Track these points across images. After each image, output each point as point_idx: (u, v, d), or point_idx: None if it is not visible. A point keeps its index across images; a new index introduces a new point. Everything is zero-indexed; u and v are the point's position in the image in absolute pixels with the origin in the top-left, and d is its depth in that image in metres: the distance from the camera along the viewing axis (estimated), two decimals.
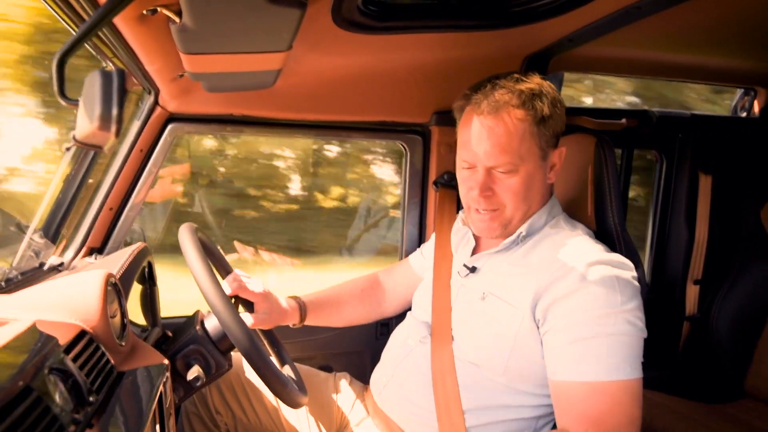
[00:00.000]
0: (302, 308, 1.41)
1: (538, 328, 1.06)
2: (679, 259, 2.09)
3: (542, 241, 1.14)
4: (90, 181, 1.44)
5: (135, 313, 1.47)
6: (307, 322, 1.43)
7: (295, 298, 1.42)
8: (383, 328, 1.89)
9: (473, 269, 1.24)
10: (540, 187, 1.16)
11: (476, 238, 1.32)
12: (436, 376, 1.17)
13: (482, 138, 1.10)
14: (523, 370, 1.08)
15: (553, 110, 1.11)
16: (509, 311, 1.09)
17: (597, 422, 0.95)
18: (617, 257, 1.07)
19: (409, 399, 1.22)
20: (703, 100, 4.73)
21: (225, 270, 1.36)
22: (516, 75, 1.14)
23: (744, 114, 2.20)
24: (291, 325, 1.41)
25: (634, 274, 1.04)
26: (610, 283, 0.99)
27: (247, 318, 1.23)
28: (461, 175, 1.20)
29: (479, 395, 1.12)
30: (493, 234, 1.18)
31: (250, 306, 1.31)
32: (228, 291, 1.22)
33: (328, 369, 1.63)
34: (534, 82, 1.12)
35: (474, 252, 1.30)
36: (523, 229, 1.17)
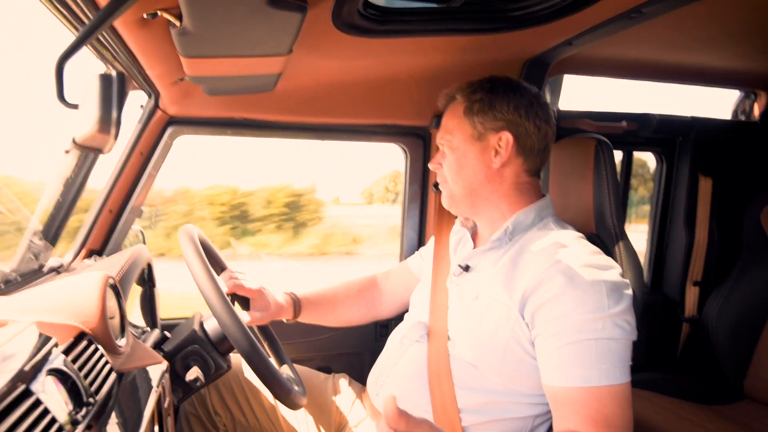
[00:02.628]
0: (297, 304, 1.42)
1: (528, 330, 1.06)
2: (678, 261, 2.10)
3: (531, 241, 1.15)
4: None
5: (134, 314, 1.47)
6: (301, 319, 1.44)
7: (290, 293, 1.43)
8: (382, 329, 1.89)
9: (467, 268, 1.24)
10: (480, 167, 1.21)
11: (473, 239, 1.32)
12: (432, 375, 1.17)
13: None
14: (517, 369, 1.08)
15: (487, 95, 1.21)
16: (502, 311, 1.09)
17: (590, 426, 0.95)
18: (605, 259, 1.07)
19: (406, 399, 1.22)
20: None
21: (220, 267, 1.36)
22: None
23: (743, 117, 2.21)
24: (285, 320, 1.42)
25: (623, 277, 1.05)
26: (598, 286, 1.00)
27: (244, 316, 1.24)
28: None
29: (475, 394, 1.13)
30: (446, 205, 1.31)
31: (246, 303, 1.31)
32: (224, 289, 1.23)
33: (327, 370, 1.63)
34: (492, 78, 1.26)
35: None
36: (509, 224, 1.19)
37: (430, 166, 1.32)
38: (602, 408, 0.96)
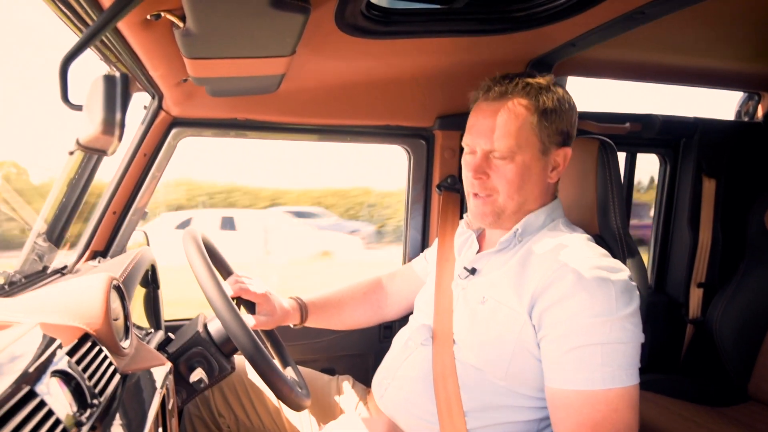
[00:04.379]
0: (303, 309, 1.42)
1: (535, 332, 1.05)
2: (682, 262, 2.09)
3: (540, 242, 1.14)
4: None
5: (138, 315, 1.47)
6: (308, 324, 1.44)
7: (296, 298, 1.43)
8: (386, 331, 1.89)
9: (473, 271, 1.24)
10: (538, 183, 1.16)
11: (479, 242, 1.32)
12: (438, 378, 1.17)
13: (484, 121, 1.14)
14: (524, 374, 1.08)
15: (558, 106, 1.12)
16: (510, 315, 1.08)
17: (593, 430, 0.95)
18: (614, 262, 1.06)
19: (411, 401, 1.22)
20: None
21: (227, 271, 1.36)
22: (529, 72, 1.17)
23: (747, 118, 2.20)
24: (292, 326, 1.41)
25: (632, 280, 1.04)
26: (606, 289, 0.99)
27: (249, 319, 1.24)
28: (464, 160, 1.22)
29: (481, 397, 1.12)
30: (486, 221, 1.20)
31: (251, 307, 1.31)
32: (230, 292, 1.23)
33: (330, 372, 1.63)
34: (545, 80, 1.15)
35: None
36: (519, 227, 1.17)
37: (475, 182, 1.16)
38: (594, 413, 0.95)
